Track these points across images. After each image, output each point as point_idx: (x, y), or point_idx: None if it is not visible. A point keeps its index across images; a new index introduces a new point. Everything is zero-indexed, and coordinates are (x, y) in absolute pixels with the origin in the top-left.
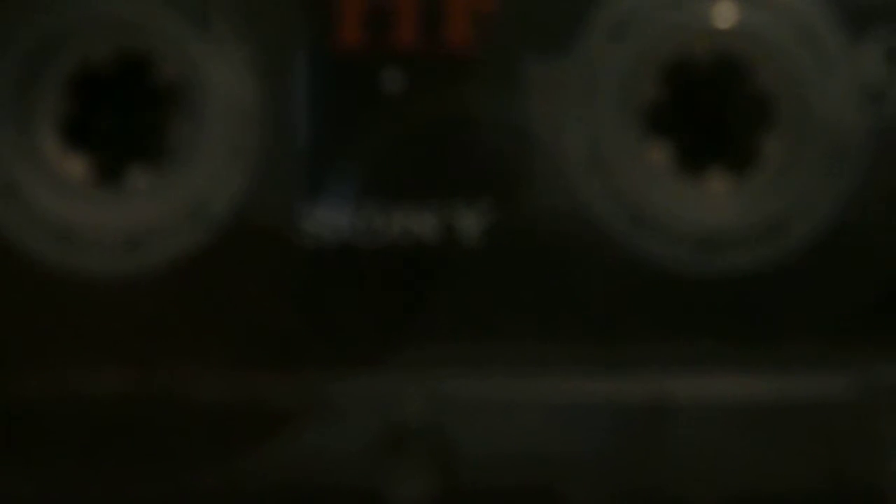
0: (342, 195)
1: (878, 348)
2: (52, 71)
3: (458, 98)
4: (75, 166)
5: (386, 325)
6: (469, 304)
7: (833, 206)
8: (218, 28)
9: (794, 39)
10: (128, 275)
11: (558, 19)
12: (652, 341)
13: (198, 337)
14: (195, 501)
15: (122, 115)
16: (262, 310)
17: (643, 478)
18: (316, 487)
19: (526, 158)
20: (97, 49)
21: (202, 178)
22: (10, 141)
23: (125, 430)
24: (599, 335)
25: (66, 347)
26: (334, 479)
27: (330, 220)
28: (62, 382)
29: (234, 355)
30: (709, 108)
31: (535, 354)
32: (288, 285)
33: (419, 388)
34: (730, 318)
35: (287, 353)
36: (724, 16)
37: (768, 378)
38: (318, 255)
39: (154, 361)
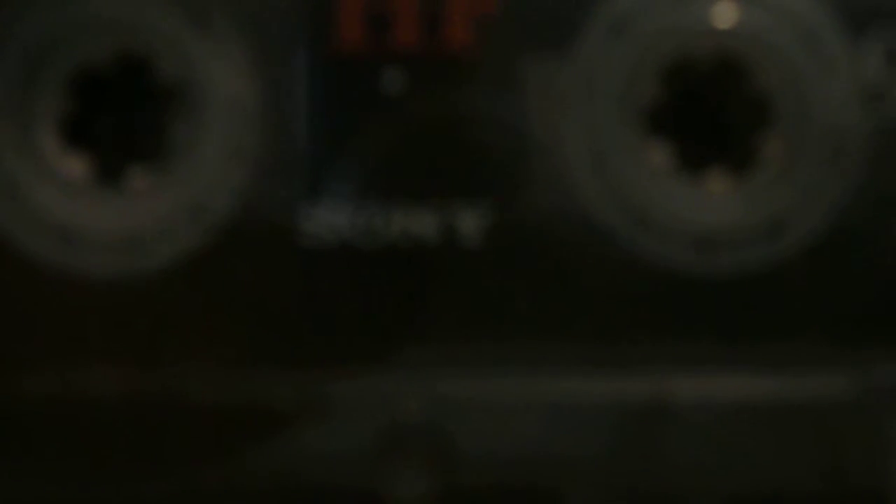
0: (342, 195)
1: (878, 348)
2: (52, 71)
3: (458, 99)
4: (75, 166)
5: (386, 325)
6: (469, 304)
7: (833, 206)
8: (218, 28)
9: (794, 40)
10: (128, 275)
11: (558, 20)
12: (652, 341)
13: (198, 337)
14: (195, 501)
15: (122, 115)
16: (262, 310)
17: (643, 478)
18: (316, 487)
19: (526, 159)
20: (97, 49)
21: (202, 178)
22: (11, 141)
23: (125, 430)
24: (599, 335)
25: (66, 347)
26: (334, 479)
27: (330, 220)
28: (62, 382)
29: (234, 355)
30: (709, 108)
31: (535, 354)
32: (288, 285)
33: (419, 388)
34: (730, 318)
35: (287, 353)
36: (724, 16)
37: (768, 378)
38: (318, 255)
39: (154, 361)
